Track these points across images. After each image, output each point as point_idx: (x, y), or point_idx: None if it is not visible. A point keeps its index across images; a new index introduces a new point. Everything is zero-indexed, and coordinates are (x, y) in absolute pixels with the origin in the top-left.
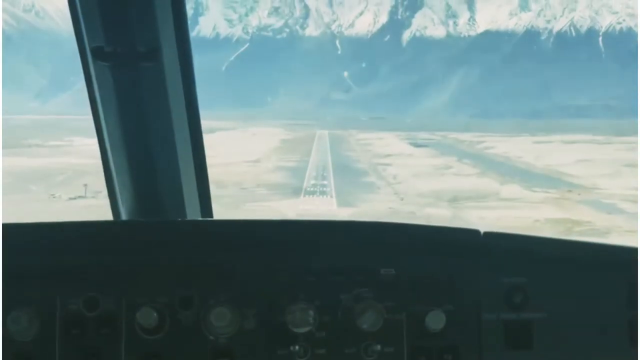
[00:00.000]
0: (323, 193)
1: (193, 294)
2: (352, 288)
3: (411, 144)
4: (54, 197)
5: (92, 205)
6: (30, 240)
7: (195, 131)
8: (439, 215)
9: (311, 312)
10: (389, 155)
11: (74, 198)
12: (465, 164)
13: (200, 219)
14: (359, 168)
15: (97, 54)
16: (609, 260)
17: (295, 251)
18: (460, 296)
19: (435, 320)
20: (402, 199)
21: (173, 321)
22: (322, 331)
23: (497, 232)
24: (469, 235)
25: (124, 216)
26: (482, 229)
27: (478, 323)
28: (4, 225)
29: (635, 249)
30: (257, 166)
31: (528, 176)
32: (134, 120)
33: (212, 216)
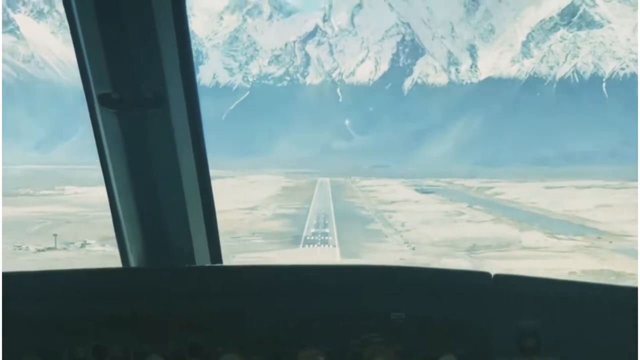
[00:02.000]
0: (325, 242)
1: (202, 342)
2: (361, 333)
3: (417, 190)
4: (19, 249)
5: (61, 257)
6: (39, 287)
7: (203, 176)
8: (458, 267)
9: (321, 358)
10: (394, 202)
11: (42, 250)
12: (477, 210)
13: (209, 265)
14: (364, 215)
15: (104, 100)
16: (625, 302)
17: (304, 296)
18: (472, 340)
19: None
20: (413, 249)
21: None
22: None
23: (508, 274)
24: (479, 278)
25: (132, 263)
26: (493, 271)
27: None
28: (12, 274)
29: None
30: (253, 214)
31: (547, 222)
32: (142, 166)
33: (221, 262)
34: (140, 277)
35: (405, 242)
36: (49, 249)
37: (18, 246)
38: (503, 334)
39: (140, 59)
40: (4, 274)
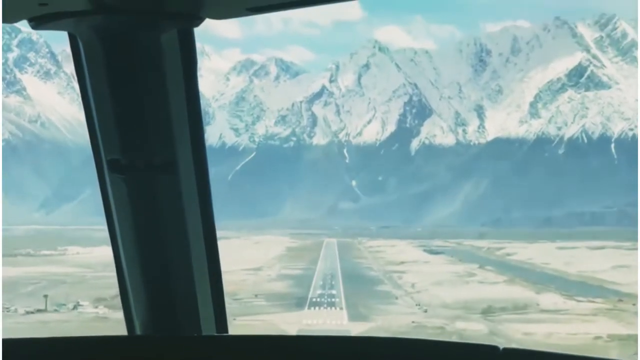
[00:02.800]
0: (331, 304)
1: None
2: None
3: (426, 250)
4: (7, 311)
5: (51, 320)
6: (44, 355)
7: (210, 244)
8: (474, 331)
9: None
10: (403, 262)
11: (32, 312)
12: (489, 271)
13: (216, 334)
14: (372, 276)
15: (114, 166)
16: None
17: None
18: None
19: None
20: (425, 311)
21: None
22: None
23: (517, 348)
24: (487, 352)
25: (138, 330)
26: (502, 345)
27: None
28: (14, 341)
29: None
30: (257, 274)
31: (564, 284)
32: (149, 232)
33: (227, 331)
34: (146, 346)
35: (416, 304)
36: (39, 310)
37: (6, 308)
38: None
39: (151, 125)
40: (4, 341)
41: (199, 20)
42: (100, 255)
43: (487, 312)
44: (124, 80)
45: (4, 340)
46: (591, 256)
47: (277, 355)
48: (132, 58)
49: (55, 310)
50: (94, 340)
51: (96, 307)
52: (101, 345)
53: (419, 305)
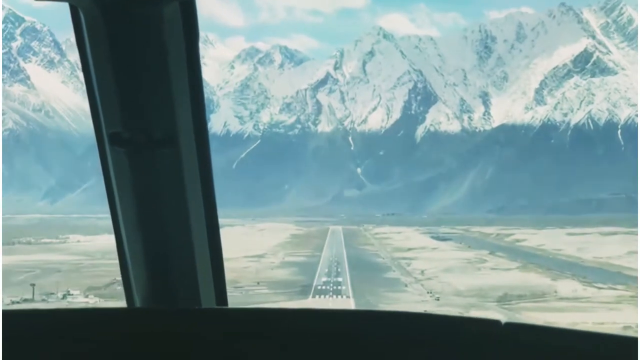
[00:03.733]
0: (337, 292)
1: None
2: None
3: (433, 237)
4: None
5: None
6: (43, 326)
7: (211, 218)
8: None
9: None
10: (411, 249)
11: (18, 301)
12: (501, 257)
13: (215, 307)
14: (379, 262)
15: (115, 139)
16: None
17: (312, 342)
18: None
19: None
20: (437, 299)
21: None
22: None
23: (519, 322)
24: (489, 326)
25: (137, 303)
26: (504, 319)
27: None
28: (14, 312)
29: None
30: (260, 262)
31: (580, 270)
32: (150, 206)
33: (227, 304)
34: (145, 318)
35: (428, 292)
36: (25, 300)
37: None
38: None
39: (153, 99)
40: (3, 312)
41: None
42: (101, 243)
43: (504, 299)
44: (126, 52)
45: (3, 312)
46: (604, 242)
47: (276, 327)
48: (133, 30)
49: (43, 300)
50: (94, 312)
51: (87, 297)
52: (100, 317)
53: (431, 293)
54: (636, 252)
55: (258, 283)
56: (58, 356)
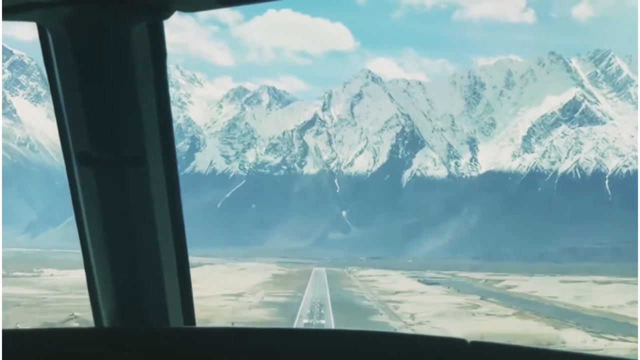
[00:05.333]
0: None
1: None
2: None
3: (420, 281)
4: None
5: None
6: (9, 347)
7: (179, 237)
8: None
9: None
10: (398, 292)
11: None
12: (493, 303)
13: (183, 326)
14: (365, 305)
15: (82, 158)
16: None
17: None
18: None
19: None
20: None
21: None
22: None
23: (484, 341)
24: (454, 345)
25: (105, 322)
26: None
27: None
28: None
29: None
30: (238, 300)
31: (584, 319)
32: (118, 224)
33: (194, 323)
34: (113, 337)
35: None
36: None
37: None
38: None
39: (120, 118)
40: None
41: (168, 13)
42: (73, 277)
43: None
44: (93, 72)
45: None
46: (600, 291)
47: (243, 347)
48: (101, 50)
49: None
50: (61, 332)
51: None
52: (68, 337)
53: None
54: (637, 302)
55: (232, 323)
56: None
